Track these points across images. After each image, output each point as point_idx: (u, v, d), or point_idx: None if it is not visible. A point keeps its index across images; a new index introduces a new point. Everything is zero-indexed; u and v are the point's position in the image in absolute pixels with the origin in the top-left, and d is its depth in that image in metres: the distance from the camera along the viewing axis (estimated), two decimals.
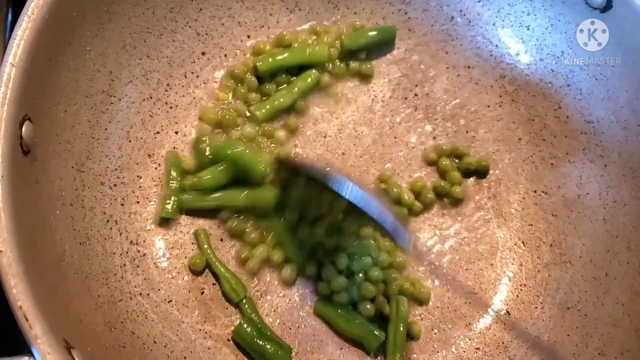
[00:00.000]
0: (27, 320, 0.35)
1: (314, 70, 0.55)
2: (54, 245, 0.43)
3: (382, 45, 0.58)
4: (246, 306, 0.49)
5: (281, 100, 0.54)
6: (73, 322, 0.41)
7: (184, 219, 0.51)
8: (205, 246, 0.50)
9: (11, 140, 0.39)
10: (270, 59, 0.54)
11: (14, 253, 0.36)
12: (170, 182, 0.51)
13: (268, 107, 0.54)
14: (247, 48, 0.56)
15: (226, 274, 0.49)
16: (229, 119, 0.53)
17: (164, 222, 0.51)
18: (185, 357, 0.47)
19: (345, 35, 0.57)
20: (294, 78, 0.55)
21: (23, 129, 0.40)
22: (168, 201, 0.50)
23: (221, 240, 0.51)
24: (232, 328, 0.48)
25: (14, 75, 0.39)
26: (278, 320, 0.49)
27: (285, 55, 0.55)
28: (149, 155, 0.52)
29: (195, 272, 0.50)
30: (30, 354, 0.35)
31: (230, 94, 0.55)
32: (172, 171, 0.51)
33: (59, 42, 0.44)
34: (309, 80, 0.55)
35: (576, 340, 0.48)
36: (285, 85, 0.55)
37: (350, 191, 0.44)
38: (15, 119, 0.39)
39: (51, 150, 0.44)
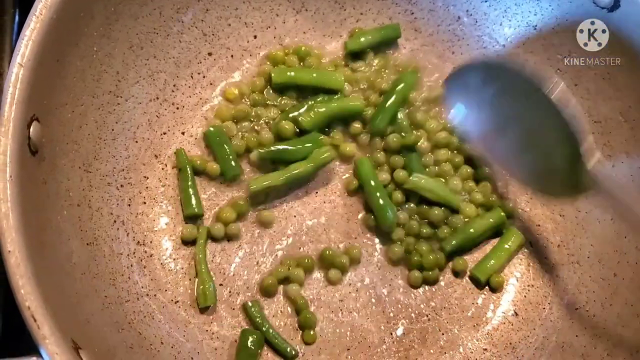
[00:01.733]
0: (35, 320, 0.34)
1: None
2: (61, 245, 0.43)
3: (388, 45, 0.58)
4: (252, 310, 0.49)
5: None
6: (81, 323, 0.41)
7: (191, 219, 0.51)
8: (201, 241, 0.50)
9: (19, 140, 0.39)
10: (287, 73, 0.54)
11: (22, 253, 0.36)
12: (187, 180, 0.51)
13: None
14: (254, 49, 0.56)
15: (204, 276, 0.49)
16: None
17: (190, 220, 0.51)
18: (192, 358, 0.47)
19: (348, 39, 0.57)
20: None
21: (31, 129, 0.40)
22: (193, 199, 0.51)
23: (228, 240, 0.51)
24: (239, 328, 0.48)
25: (22, 75, 0.39)
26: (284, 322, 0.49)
27: (304, 74, 0.54)
28: (156, 156, 0.52)
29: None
30: (39, 354, 0.35)
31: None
32: (187, 169, 0.51)
33: (66, 42, 0.44)
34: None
35: (584, 341, 0.48)
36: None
37: None
38: (24, 119, 0.39)
39: (59, 151, 0.44)
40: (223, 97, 0.55)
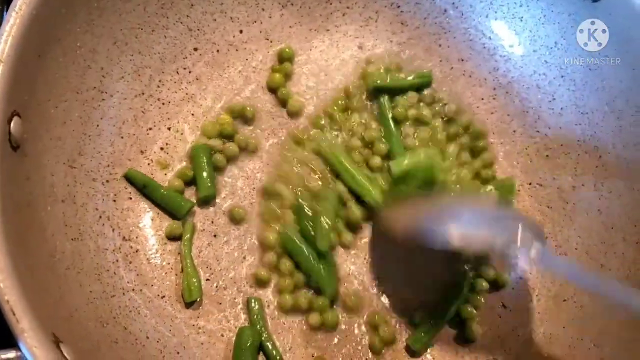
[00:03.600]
0: (14, 314, 0.35)
1: None
2: (45, 241, 0.43)
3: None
4: (254, 307, 0.49)
5: None
6: (63, 317, 0.41)
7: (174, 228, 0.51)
8: (187, 236, 0.50)
9: None
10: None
11: (2, 248, 0.36)
12: (202, 163, 0.51)
13: None
14: (240, 44, 0.56)
15: (189, 270, 0.49)
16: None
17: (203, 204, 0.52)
18: (178, 353, 0.47)
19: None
20: None
21: (12, 124, 0.40)
22: (208, 181, 0.51)
23: (214, 236, 0.51)
24: (225, 323, 0.48)
25: (2, 71, 0.39)
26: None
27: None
28: (142, 152, 0.52)
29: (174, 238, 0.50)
30: (18, 349, 0.35)
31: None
32: (202, 157, 0.51)
33: (48, 38, 0.44)
34: None
35: (572, 332, 0.48)
36: None
37: None
38: (3, 115, 0.39)
39: (42, 147, 0.44)
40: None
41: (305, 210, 0.50)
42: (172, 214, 0.51)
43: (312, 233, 0.49)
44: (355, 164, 0.52)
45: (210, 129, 0.53)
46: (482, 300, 0.50)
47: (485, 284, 0.50)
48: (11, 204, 0.39)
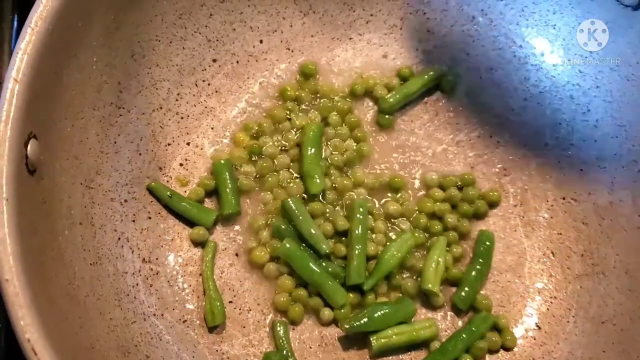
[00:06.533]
0: (35, 353, 0.33)
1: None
2: (63, 267, 0.41)
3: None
4: (279, 330, 0.47)
5: None
6: (85, 349, 0.39)
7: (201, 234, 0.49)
8: (209, 257, 0.48)
9: (16, 160, 0.37)
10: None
11: (21, 281, 0.34)
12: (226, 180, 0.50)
13: None
14: (260, 54, 0.54)
15: (212, 293, 0.47)
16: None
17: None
18: None
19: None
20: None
21: (28, 147, 0.38)
22: (230, 197, 0.49)
23: (236, 255, 0.49)
24: (250, 348, 0.47)
25: (18, 91, 0.37)
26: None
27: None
28: (160, 168, 0.50)
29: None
30: None
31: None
32: (225, 173, 0.50)
33: (64, 54, 0.42)
34: None
35: (612, 356, 0.46)
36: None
37: None
38: (20, 138, 0.37)
39: (59, 168, 0.42)
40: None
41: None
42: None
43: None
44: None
45: (237, 155, 0.51)
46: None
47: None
48: (28, 231, 0.37)
